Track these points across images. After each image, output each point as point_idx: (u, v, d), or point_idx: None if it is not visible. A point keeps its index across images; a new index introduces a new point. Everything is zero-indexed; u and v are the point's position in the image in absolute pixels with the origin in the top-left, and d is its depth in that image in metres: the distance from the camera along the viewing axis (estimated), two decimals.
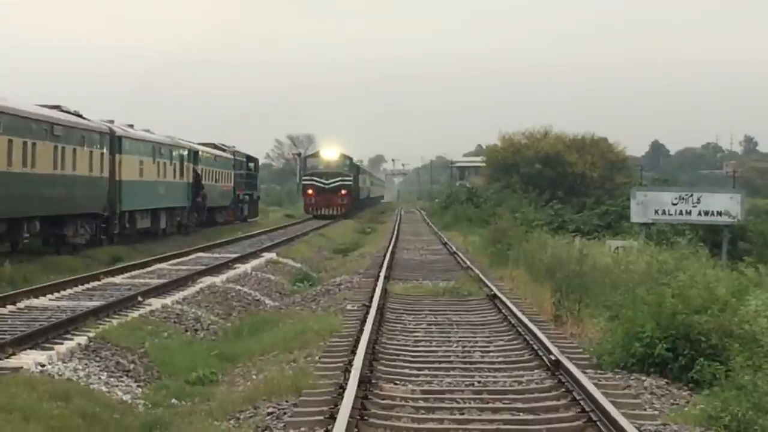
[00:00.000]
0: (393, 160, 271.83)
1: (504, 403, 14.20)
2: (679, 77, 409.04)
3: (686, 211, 45.97)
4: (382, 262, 37.11)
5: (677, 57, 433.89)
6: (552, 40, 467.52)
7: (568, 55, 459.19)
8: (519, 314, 21.96)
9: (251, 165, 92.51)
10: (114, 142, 49.04)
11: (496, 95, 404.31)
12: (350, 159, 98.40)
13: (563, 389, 14.76)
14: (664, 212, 45.92)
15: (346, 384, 14.12)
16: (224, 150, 79.68)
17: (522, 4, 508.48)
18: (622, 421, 11.87)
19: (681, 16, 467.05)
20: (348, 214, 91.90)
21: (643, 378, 16.40)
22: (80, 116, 46.19)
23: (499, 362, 17.67)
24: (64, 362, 18.30)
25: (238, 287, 32.21)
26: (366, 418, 12.88)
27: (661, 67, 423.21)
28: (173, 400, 17.48)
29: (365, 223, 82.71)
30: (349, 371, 15.15)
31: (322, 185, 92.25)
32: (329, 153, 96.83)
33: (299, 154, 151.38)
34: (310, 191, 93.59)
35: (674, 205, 46.23)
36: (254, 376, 18.10)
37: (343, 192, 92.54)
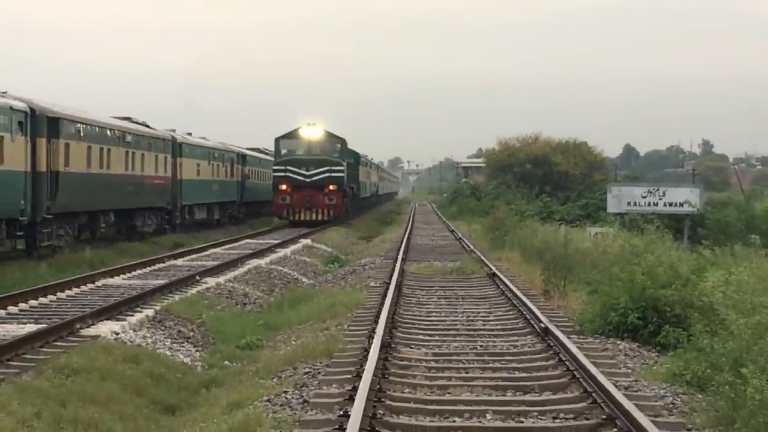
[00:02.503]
0: (408, 161, 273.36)
1: (502, 364, 14.18)
2: (648, 91, 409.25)
3: (654, 202, 45.89)
4: (400, 247, 37.11)
5: (646, 74, 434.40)
6: (541, 60, 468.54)
7: (555, 73, 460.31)
8: (514, 289, 21.92)
9: None
10: (176, 147, 49.16)
11: (494, 106, 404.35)
12: (342, 142, 59.29)
13: (551, 352, 14.73)
14: (635, 204, 45.84)
15: (370, 348, 14.11)
16: (268, 153, 79.35)
17: (517, 31, 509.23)
18: (601, 378, 11.84)
19: (648, 41, 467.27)
20: (341, 219, 59.17)
21: (618, 342, 16.34)
22: (147, 126, 46.36)
23: (498, 329, 17.64)
24: (134, 331, 18.35)
25: (280, 268, 32.23)
26: (387, 376, 12.87)
27: (633, 82, 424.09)
28: (226, 362, 17.52)
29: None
30: (373, 337, 15.13)
31: (300, 178, 55.82)
32: (311, 132, 58.17)
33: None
34: (283, 186, 55.84)
35: (644, 197, 46.16)
36: (293, 342, 18.12)
37: (332, 188, 56.26)
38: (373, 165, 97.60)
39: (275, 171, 57.23)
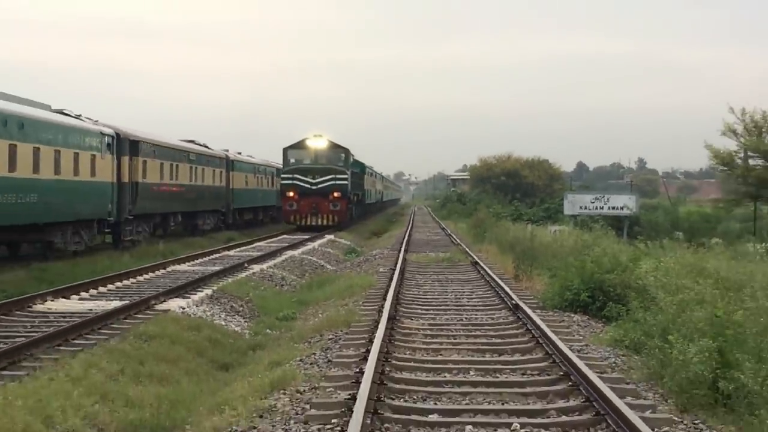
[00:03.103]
0: (409, 174, 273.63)
1: (482, 332, 14.16)
2: (597, 119, 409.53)
3: (600, 207, 45.99)
4: (403, 241, 37.07)
5: (596, 106, 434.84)
6: (513, 95, 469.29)
7: (524, 105, 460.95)
8: (491, 274, 21.90)
9: None
10: (229, 163, 49.19)
11: (477, 131, 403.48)
12: (346, 151, 49.52)
13: (520, 323, 14.71)
14: (585, 207, 45.96)
15: (380, 320, 14.11)
16: None
17: (494, 72, 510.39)
18: (559, 343, 11.83)
19: (598, 80, 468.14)
20: (346, 224, 50.08)
21: (573, 315, 16.32)
22: (207, 146, 46.42)
23: (479, 305, 17.61)
24: (197, 306, 18.38)
25: (309, 257, 32.24)
26: (393, 341, 12.87)
27: (586, 112, 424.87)
28: (268, 330, 17.52)
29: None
30: (381, 312, 15.13)
31: (306, 186, 47.28)
32: (317, 142, 48.73)
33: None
34: (290, 193, 47.44)
35: (592, 203, 46.27)
36: (320, 315, 18.11)
37: (336, 194, 47.55)
38: (378, 175, 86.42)
39: (283, 179, 48.25)
